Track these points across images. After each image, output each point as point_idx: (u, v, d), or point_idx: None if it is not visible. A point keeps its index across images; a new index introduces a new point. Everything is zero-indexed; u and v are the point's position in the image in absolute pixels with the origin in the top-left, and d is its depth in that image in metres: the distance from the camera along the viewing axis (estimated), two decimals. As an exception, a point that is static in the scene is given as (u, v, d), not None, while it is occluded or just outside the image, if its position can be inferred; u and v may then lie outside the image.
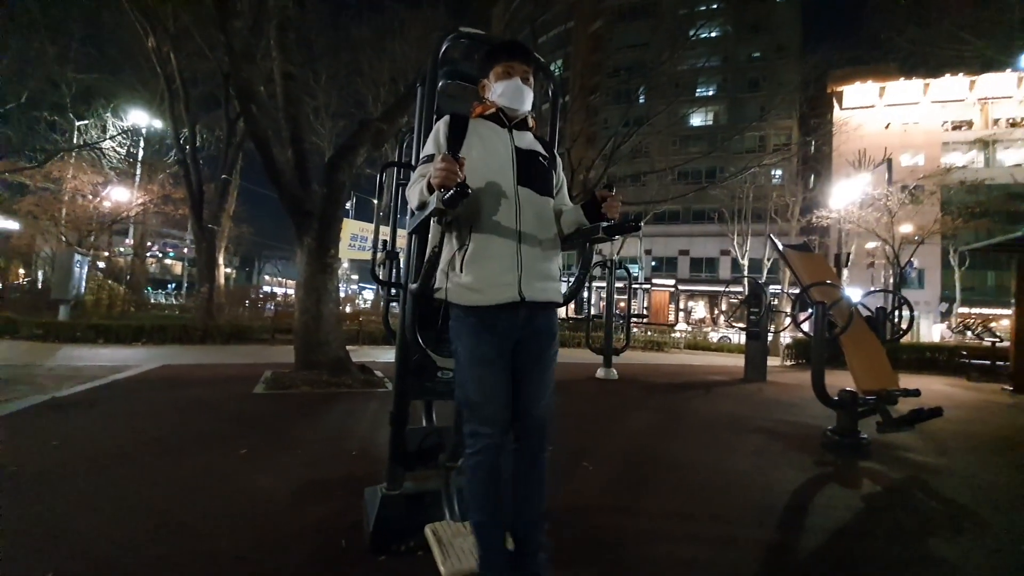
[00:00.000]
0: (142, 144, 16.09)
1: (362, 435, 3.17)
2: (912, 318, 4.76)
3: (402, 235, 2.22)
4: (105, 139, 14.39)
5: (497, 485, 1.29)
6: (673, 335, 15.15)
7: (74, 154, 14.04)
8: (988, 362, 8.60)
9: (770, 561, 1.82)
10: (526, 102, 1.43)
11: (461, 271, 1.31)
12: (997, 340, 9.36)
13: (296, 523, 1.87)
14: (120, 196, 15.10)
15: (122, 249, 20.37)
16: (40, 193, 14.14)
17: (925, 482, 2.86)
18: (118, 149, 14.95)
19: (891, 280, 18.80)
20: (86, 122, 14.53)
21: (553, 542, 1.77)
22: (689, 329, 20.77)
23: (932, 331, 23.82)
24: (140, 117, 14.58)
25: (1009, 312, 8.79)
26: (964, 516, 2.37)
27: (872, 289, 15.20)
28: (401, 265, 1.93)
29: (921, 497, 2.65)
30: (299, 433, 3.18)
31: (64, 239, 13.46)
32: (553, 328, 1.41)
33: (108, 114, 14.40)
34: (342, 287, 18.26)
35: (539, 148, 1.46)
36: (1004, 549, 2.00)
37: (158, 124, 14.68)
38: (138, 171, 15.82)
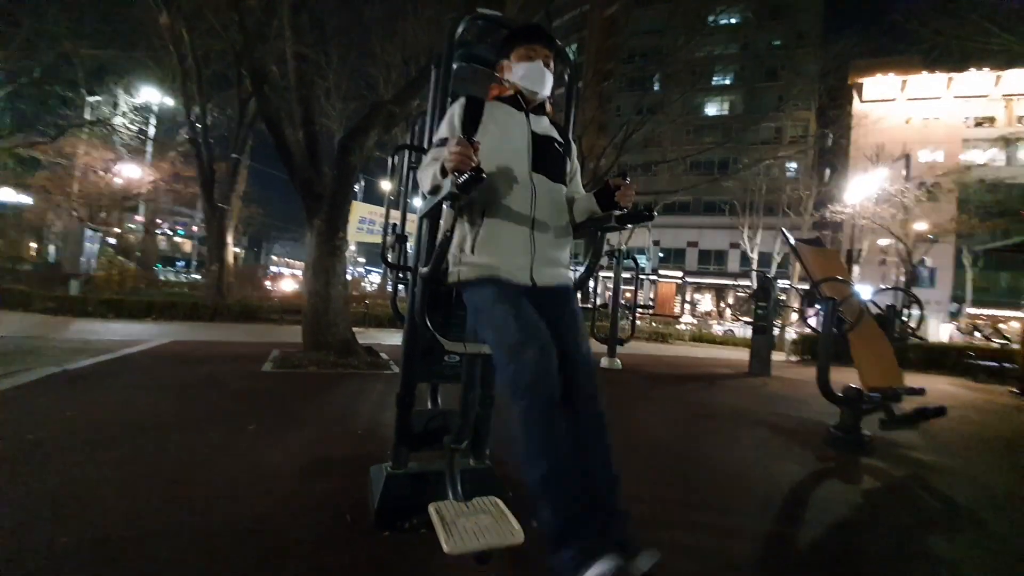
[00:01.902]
0: (153, 121, 16.10)
1: (368, 416, 3.21)
2: (921, 317, 4.72)
3: (412, 219, 2.22)
4: (117, 115, 14.41)
5: (558, 424, 1.09)
6: (678, 327, 15.11)
7: (86, 130, 14.10)
8: (996, 364, 8.51)
9: (769, 552, 1.85)
10: (547, 86, 1.42)
11: (473, 253, 1.31)
12: (1006, 342, 9.25)
13: (303, 498, 1.91)
14: (131, 173, 15.19)
15: (133, 226, 20.55)
16: (53, 168, 14.25)
17: (926, 480, 2.87)
18: (129, 126, 14.98)
19: (902, 278, 18.57)
20: (98, 98, 14.56)
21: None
22: (694, 321, 20.71)
23: (940, 331, 23.58)
24: (152, 94, 14.57)
25: (1020, 314, 8.66)
26: (963, 515, 2.37)
27: (883, 287, 15.05)
28: (410, 248, 1.94)
29: (921, 495, 2.65)
30: (306, 412, 3.24)
31: (76, 214, 13.60)
32: (568, 290, 1.38)
33: (120, 91, 14.40)
34: (349, 270, 18.37)
35: (555, 134, 1.45)
36: (1002, 548, 2.01)
37: (169, 102, 14.67)
38: (149, 148, 15.87)
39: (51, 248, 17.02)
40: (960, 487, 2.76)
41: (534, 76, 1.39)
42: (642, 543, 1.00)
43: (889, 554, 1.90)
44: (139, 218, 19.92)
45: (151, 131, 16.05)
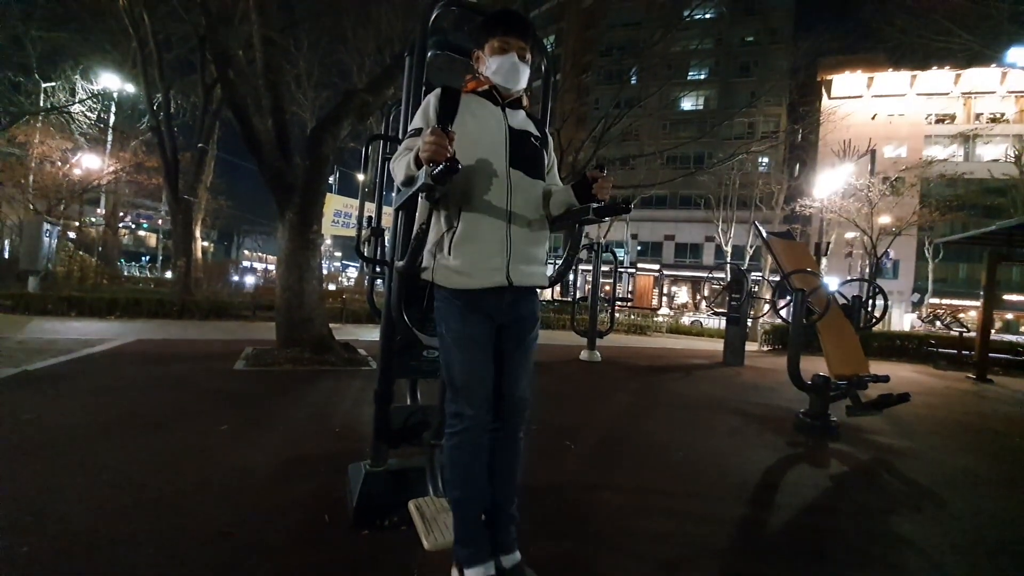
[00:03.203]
0: (113, 109, 15.36)
1: (345, 413, 3.16)
2: (886, 307, 4.92)
3: (388, 212, 2.17)
4: (74, 103, 13.68)
5: (479, 464, 1.32)
6: (656, 319, 15.37)
7: (41, 118, 13.34)
8: (955, 351, 8.95)
9: (741, 535, 1.90)
10: (521, 80, 1.39)
11: (449, 253, 1.29)
12: (964, 330, 9.73)
13: (279, 499, 1.87)
14: (91, 163, 14.47)
15: (93, 219, 19.63)
16: (5, 158, 13.46)
17: (890, 463, 2.99)
18: (88, 114, 14.24)
19: (867, 270, 19.30)
20: (53, 84, 13.78)
21: (533, 516, 1.81)
22: (671, 313, 21.11)
23: (903, 320, 24.67)
24: (111, 80, 13.86)
25: (977, 304, 9.12)
26: (925, 495, 2.49)
27: (849, 278, 15.61)
28: (387, 242, 1.90)
29: (885, 477, 2.77)
30: (281, 410, 3.16)
31: (32, 207, 12.90)
32: (536, 313, 1.44)
33: (77, 76, 13.66)
34: (325, 264, 17.98)
35: (531, 128, 1.43)
36: (961, 527, 2.12)
37: (130, 88, 13.99)
38: (109, 137, 15.14)
39: (6, 243, 16.12)
40: (922, 469, 2.90)
41: (508, 71, 1.35)
42: (520, 546, 1.37)
43: (855, 534, 1.98)
44: (100, 211, 19.05)
45: (111, 119, 15.31)
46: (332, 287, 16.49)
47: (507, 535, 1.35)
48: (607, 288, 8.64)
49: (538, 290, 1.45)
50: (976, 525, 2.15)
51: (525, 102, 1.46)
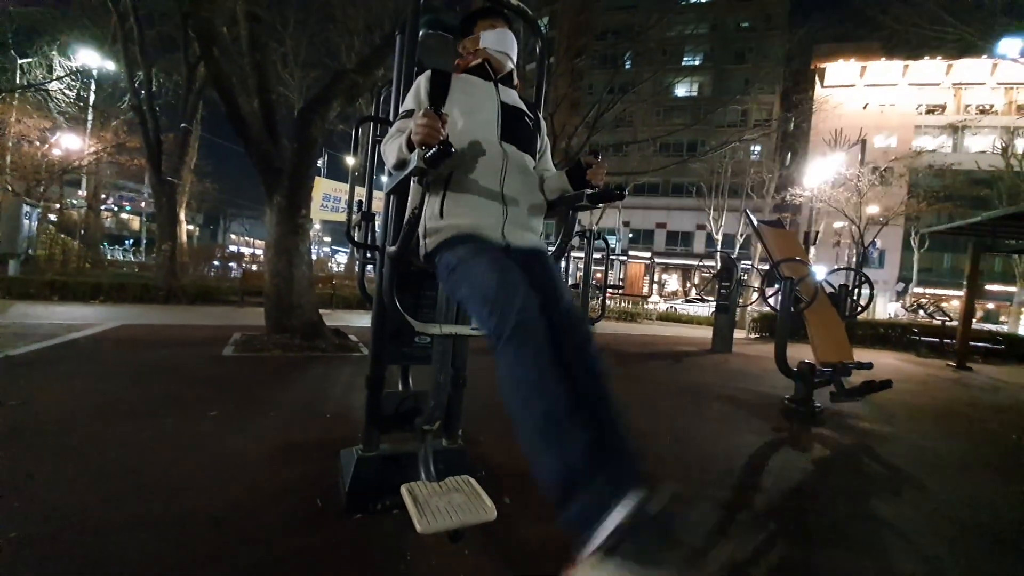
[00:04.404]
0: (93, 87, 14.86)
1: (336, 399, 3.15)
2: (872, 296, 5.01)
3: (378, 196, 2.14)
4: (52, 80, 13.20)
5: (552, 367, 0.94)
6: (647, 306, 15.48)
7: (17, 95, 12.87)
8: (937, 340, 9.15)
9: (727, 518, 1.94)
10: (513, 47, 1.39)
11: (442, 217, 1.26)
12: (946, 319, 9.95)
13: (271, 484, 1.87)
14: (71, 143, 14.04)
15: (75, 201, 19.14)
16: (-21, 138, 13.00)
17: (871, 448, 3.07)
18: (66, 92, 13.77)
19: (855, 259, 19.56)
20: (30, 60, 13.28)
21: (520, 501, 1.83)
22: (661, 301, 21.29)
23: (888, 309, 25.13)
24: (90, 57, 13.38)
25: (960, 294, 9.30)
26: (904, 479, 2.57)
27: (836, 267, 15.81)
28: (378, 227, 1.87)
29: (867, 461, 2.85)
30: (271, 396, 3.14)
31: (10, 189, 12.52)
32: (543, 251, 1.32)
33: (54, 52, 13.17)
34: (314, 250, 17.78)
35: (524, 107, 1.42)
36: (938, 509, 2.19)
37: (110, 66, 13.53)
38: (90, 117, 14.68)
39: (-17, 225, 15.67)
40: (903, 454, 2.98)
41: (502, 38, 1.37)
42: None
43: (838, 516, 2.04)
44: (81, 193, 18.56)
45: (91, 98, 14.82)
46: (322, 273, 16.33)
47: (635, 473, 0.88)
48: (599, 275, 8.66)
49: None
50: (953, 507, 2.22)
51: (517, 83, 1.44)
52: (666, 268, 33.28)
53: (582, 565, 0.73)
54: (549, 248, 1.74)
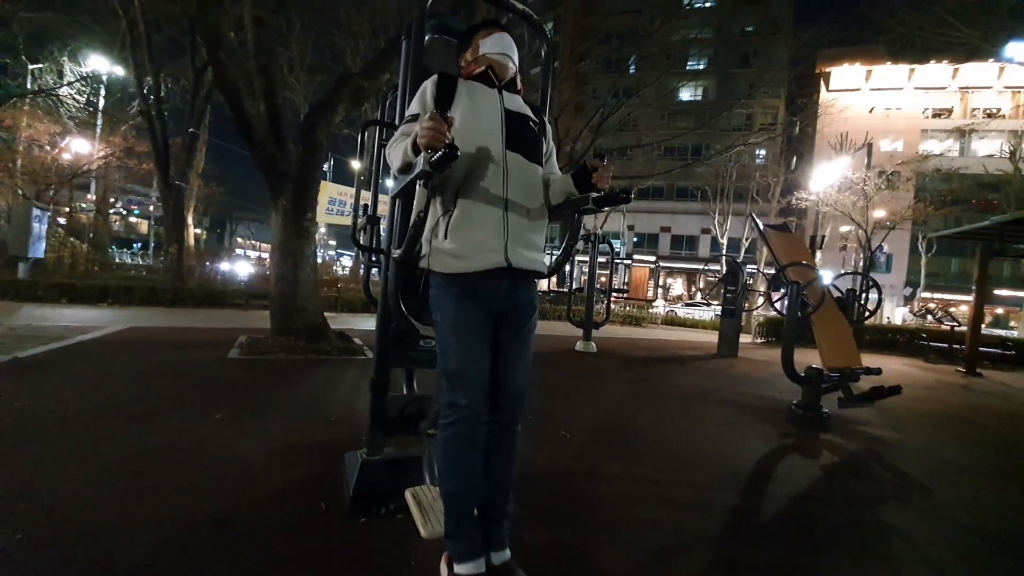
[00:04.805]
0: (102, 92, 15.04)
1: (341, 402, 3.16)
2: (880, 301, 4.96)
3: (384, 200, 2.14)
4: (62, 85, 13.38)
5: (473, 455, 1.28)
6: (652, 311, 15.44)
7: (28, 100, 13.05)
8: (946, 345, 9.05)
9: (733, 524, 1.92)
10: (513, 49, 1.41)
11: (445, 237, 1.27)
12: (955, 324, 9.85)
13: (274, 486, 1.86)
14: (80, 148, 14.20)
15: (84, 205, 19.34)
16: (-8, 142, 13.19)
17: (880, 454, 3.04)
18: (76, 97, 13.95)
19: (862, 263, 19.42)
20: (40, 66, 13.47)
21: (529, 505, 1.82)
22: (665, 305, 21.22)
23: (895, 314, 24.92)
24: (100, 63, 13.56)
25: (968, 298, 9.21)
26: (913, 486, 2.53)
27: (843, 272, 15.71)
28: (383, 231, 1.87)
29: (875, 468, 2.81)
30: (276, 398, 3.15)
31: (21, 192, 12.67)
32: (534, 301, 1.40)
33: (65, 58, 13.35)
34: (320, 253, 17.86)
35: (529, 112, 1.42)
36: (949, 517, 2.15)
37: (119, 71, 13.70)
38: (99, 121, 14.85)
39: (-6, 229, 15.86)
40: (912, 460, 2.94)
41: (500, 41, 1.38)
42: (514, 534, 1.39)
43: (845, 523, 2.01)
44: (90, 197, 18.76)
45: (100, 103, 15.00)
46: (327, 276, 16.38)
47: (499, 531, 1.33)
48: (603, 279, 8.64)
49: (536, 280, 1.42)
50: (964, 515, 2.19)
51: (520, 87, 1.44)
52: (671, 272, 33.18)
53: None
54: (554, 252, 1.74)
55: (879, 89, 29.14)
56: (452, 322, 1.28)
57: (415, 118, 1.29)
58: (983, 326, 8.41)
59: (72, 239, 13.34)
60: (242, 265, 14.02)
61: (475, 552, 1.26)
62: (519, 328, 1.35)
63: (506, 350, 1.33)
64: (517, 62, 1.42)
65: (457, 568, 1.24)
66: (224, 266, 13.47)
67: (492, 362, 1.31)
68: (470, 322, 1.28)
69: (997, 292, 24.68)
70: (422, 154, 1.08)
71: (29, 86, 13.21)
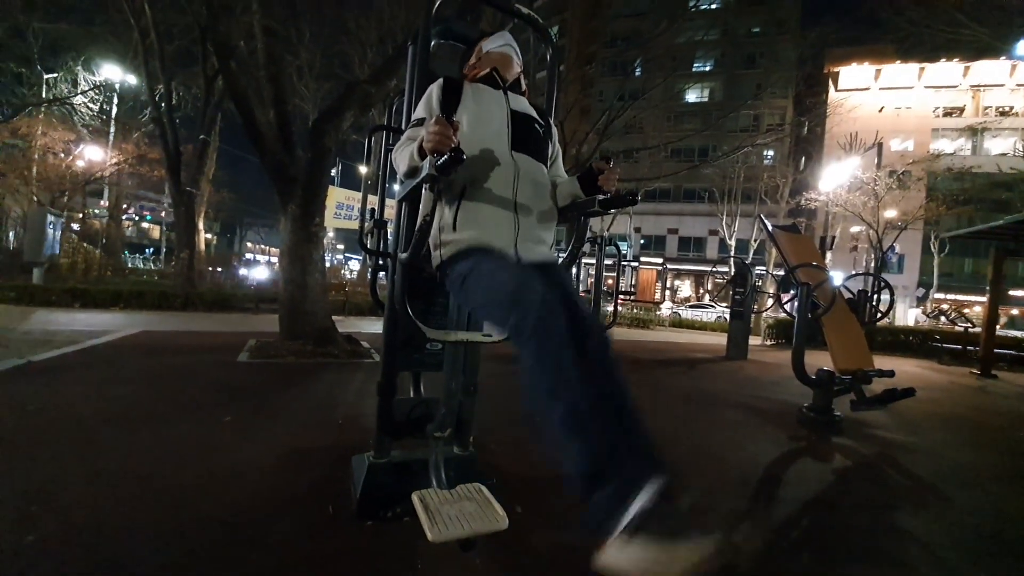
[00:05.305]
0: (115, 100, 15.33)
1: (349, 405, 3.17)
2: (892, 302, 4.89)
3: (391, 204, 2.15)
4: (76, 94, 13.66)
5: (573, 362, 0.93)
6: (659, 313, 15.36)
7: (43, 109, 13.34)
8: (959, 347, 8.90)
9: (742, 528, 1.89)
10: (516, 49, 1.43)
11: (455, 230, 1.26)
12: (969, 326, 9.68)
13: (282, 490, 1.87)
14: (93, 155, 14.47)
15: (97, 211, 19.68)
16: (8, 150, 13.48)
17: (893, 458, 2.98)
18: (90, 105, 14.22)
19: (873, 264, 19.19)
20: (55, 75, 13.76)
21: (534, 508, 1.81)
22: (673, 307, 21.12)
23: (907, 315, 24.56)
24: (113, 72, 13.83)
25: (982, 299, 9.05)
26: (928, 491, 2.48)
27: (854, 272, 15.53)
28: (390, 234, 1.88)
29: (889, 472, 2.76)
30: (285, 402, 3.17)
31: (36, 199, 12.93)
32: (555, 262, 1.33)
33: (79, 67, 13.63)
34: (328, 257, 17.99)
35: (534, 114, 1.42)
36: (966, 522, 2.11)
37: (132, 80, 13.95)
38: (112, 129, 15.12)
39: (10, 234, 16.18)
40: (926, 464, 2.89)
41: (504, 37, 1.41)
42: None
43: (858, 529, 1.98)
44: (103, 203, 19.08)
45: (113, 111, 15.28)
46: (335, 280, 16.49)
47: (653, 459, 0.92)
48: (610, 282, 8.62)
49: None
50: (980, 521, 2.14)
51: (524, 89, 1.45)
52: (678, 274, 32.99)
53: (609, 548, 0.77)
54: (560, 255, 1.74)
55: (889, 88, 28.87)
56: (482, 263, 1.16)
57: (421, 122, 1.29)
58: (998, 327, 8.26)
59: (85, 244, 13.57)
60: (260, 270, 14.17)
61: (634, 482, 0.83)
62: (552, 275, 1.23)
63: (554, 286, 1.13)
64: (521, 58, 1.43)
65: (630, 505, 0.79)
66: (243, 272, 13.60)
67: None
68: (502, 258, 1.18)
69: (1012, 293, 24.25)
70: (428, 158, 1.09)
71: (44, 95, 13.50)
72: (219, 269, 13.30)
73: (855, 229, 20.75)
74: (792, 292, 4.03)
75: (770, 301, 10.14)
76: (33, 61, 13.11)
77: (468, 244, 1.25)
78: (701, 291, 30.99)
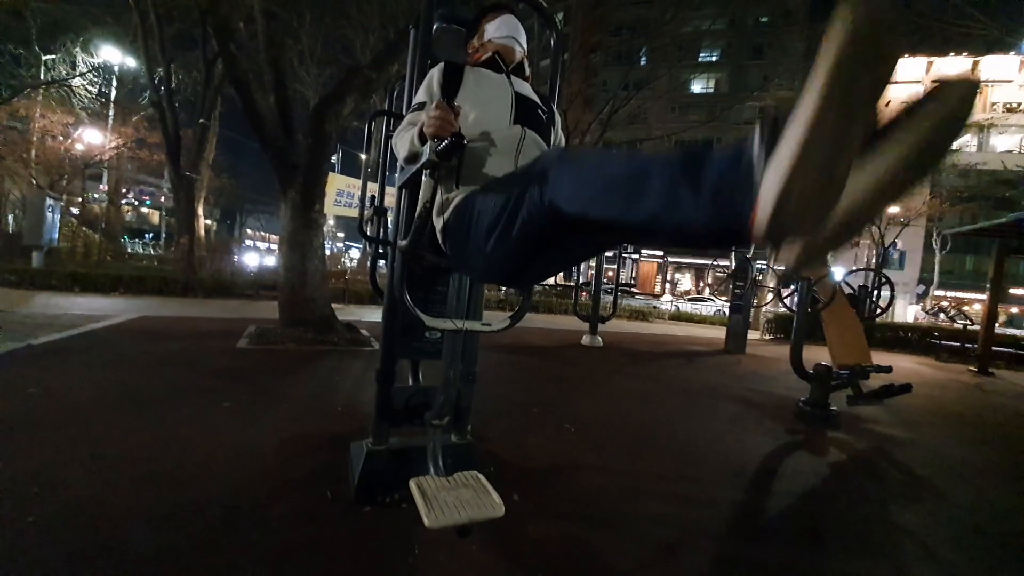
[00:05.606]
0: (114, 83, 15.18)
1: (348, 392, 3.18)
2: (892, 298, 4.89)
3: (391, 192, 2.13)
4: (75, 76, 13.51)
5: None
6: (655, 307, 15.37)
7: (42, 91, 13.20)
8: (958, 343, 8.91)
9: (738, 520, 1.91)
10: (519, 31, 1.39)
11: (457, 187, 1.18)
12: (968, 323, 9.69)
13: (281, 475, 1.88)
14: (92, 138, 14.37)
15: (96, 195, 19.60)
16: (6, 133, 13.38)
17: (889, 453, 3.00)
18: (89, 88, 14.08)
19: (874, 260, 19.15)
20: (54, 57, 13.60)
21: (533, 498, 1.83)
22: (672, 300, 21.13)
23: (907, 312, 24.58)
24: (112, 54, 13.66)
25: (983, 297, 9.05)
26: (924, 486, 2.50)
27: (855, 268, 15.50)
28: (390, 222, 1.87)
29: (885, 466, 2.78)
30: (284, 388, 3.18)
31: (35, 182, 12.86)
32: None
33: (77, 49, 13.46)
34: (328, 245, 17.94)
35: (537, 100, 1.40)
36: (959, 517, 2.13)
37: (131, 62, 13.80)
38: (111, 112, 14.99)
39: (9, 218, 16.14)
40: (922, 459, 2.90)
41: (509, 25, 1.37)
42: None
43: (854, 522, 1.99)
44: (103, 187, 19.00)
45: (112, 93, 15.14)
46: (335, 268, 16.47)
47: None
48: (610, 274, 8.61)
49: None
50: (975, 516, 2.16)
51: (527, 74, 1.42)
52: (679, 267, 32.96)
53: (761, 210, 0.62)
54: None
55: (896, 82, 28.51)
56: (477, 196, 1.07)
57: (422, 107, 1.27)
58: (997, 325, 8.27)
59: (85, 229, 13.53)
60: (255, 257, 14.08)
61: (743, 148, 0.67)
62: None
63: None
64: (524, 45, 1.40)
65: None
66: (246, 259, 13.48)
67: None
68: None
69: (1012, 291, 24.24)
70: (428, 143, 1.07)
71: (42, 77, 13.36)
72: (233, 256, 12.91)
73: (857, 224, 20.65)
74: (792, 287, 4.03)
75: (770, 295, 10.14)
76: (31, 42, 12.95)
77: (470, 191, 1.16)
78: (701, 284, 30.98)
